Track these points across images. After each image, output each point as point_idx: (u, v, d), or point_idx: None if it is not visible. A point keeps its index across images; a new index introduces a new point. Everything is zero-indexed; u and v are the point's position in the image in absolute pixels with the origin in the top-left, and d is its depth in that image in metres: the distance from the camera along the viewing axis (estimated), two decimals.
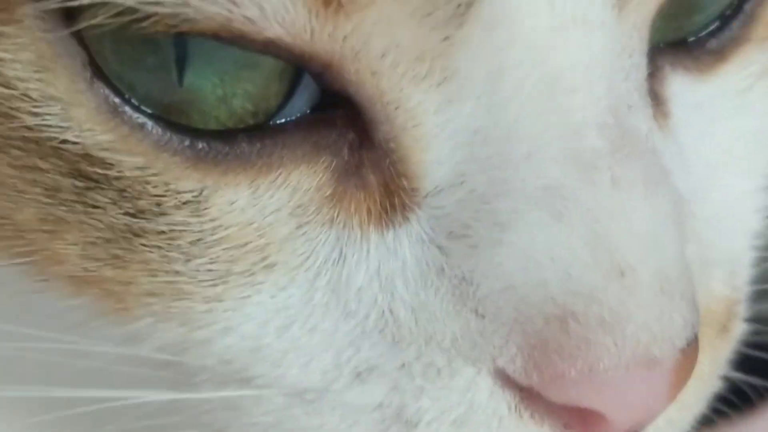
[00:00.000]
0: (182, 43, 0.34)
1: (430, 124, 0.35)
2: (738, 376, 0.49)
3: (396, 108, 0.35)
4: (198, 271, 0.37)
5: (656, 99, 0.40)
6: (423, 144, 0.36)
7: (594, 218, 0.35)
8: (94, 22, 0.33)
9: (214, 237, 0.36)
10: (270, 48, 0.34)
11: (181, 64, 0.35)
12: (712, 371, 0.41)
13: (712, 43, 0.42)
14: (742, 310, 0.43)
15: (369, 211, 0.37)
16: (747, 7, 0.43)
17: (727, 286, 0.41)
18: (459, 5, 0.34)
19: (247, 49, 0.34)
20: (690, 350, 0.36)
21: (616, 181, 0.35)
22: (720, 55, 0.43)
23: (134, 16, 0.33)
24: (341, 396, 0.37)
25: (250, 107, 0.35)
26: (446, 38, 0.34)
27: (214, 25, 0.33)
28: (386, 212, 0.37)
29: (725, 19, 0.42)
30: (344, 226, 0.37)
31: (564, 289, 0.34)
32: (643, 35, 0.38)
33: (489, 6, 0.34)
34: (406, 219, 0.36)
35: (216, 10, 0.32)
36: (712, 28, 0.42)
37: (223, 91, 0.35)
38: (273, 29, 0.33)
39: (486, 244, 0.35)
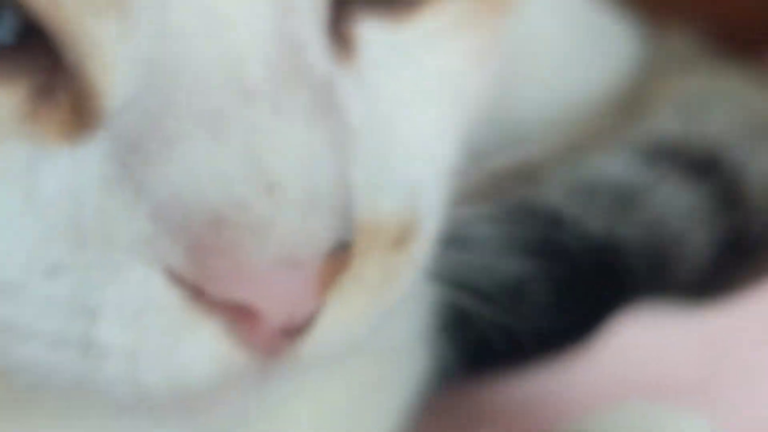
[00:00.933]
0: None
1: (110, 54, 0.39)
2: None
3: (80, 38, 0.39)
4: None
5: (344, 40, 0.44)
6: (105, 70, 0.39)
7: (250, 140, 0.38)
8: None
9: None
10: None
11: None
12: (383, 280, 0.45)
13: None
14: (424, 229, 0.47)
15: (61, 128, 0.40)
16: None
17: (401, 207, 0.45)
18: None
19: None
20: (337, 256, 0.40)
21: (276, 108, 0.39)
22: (414, 3, 0.46)
23: None
24: (35, 289, 0.41)
25: None
26: None
27: None
28: (76, 128, 0.40)
29: None
30: (39, 140, 0.40)
31: (219, 200, 0.38)
32: None
33: None
34: (92, 136, 0.40)
35: None
36: None
37: None
38: None
39: (157, 159, 0.39)
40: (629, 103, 0.89)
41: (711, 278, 0.75)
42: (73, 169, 0.40)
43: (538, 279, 0.69)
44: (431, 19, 0.47)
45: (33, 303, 0.41)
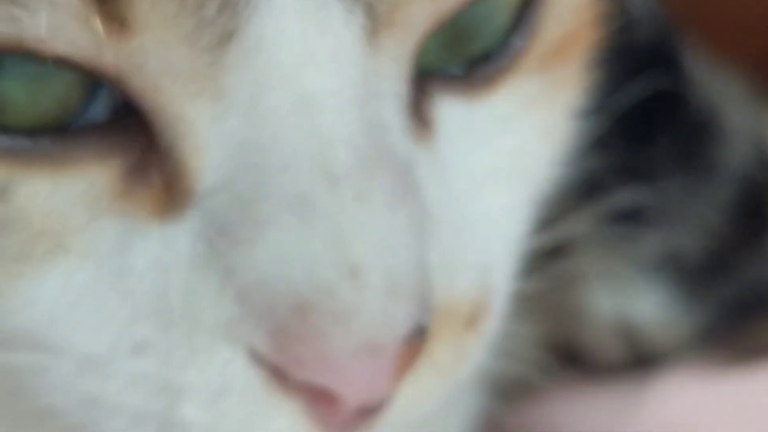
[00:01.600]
0: None
1: (203, 135, 0.40)
2: None
3: (175, 119, 0.40)
4: (3, 251, 0.41)
5: (423, 120, 0.45)
6: (198, 152, 0.40)
7: (335, 225, 0.39)
8: None
9: (18, 222, 0.40)
10: (63, 63, 0.38)
11: None
12: (455, 361, 0.46)
13: (481, 72, 0.47)
14: (494, 309, 0.47)
15: (153, 207, 0.41)
16: (516, 41, 0.47)
17: (474, 287, 0.46)
18: (222, 35, 0.38)
19: (46, 62, 0.38)
20: (415, 340, 0.41)
21: (359, 193, 0.40)
22: (489, 83, 0.47)
23: None
24: (121, 366, 0.41)
25: (55, 111, 0.40)
26: (213, 63, 0.39)
27: (12, 43, 0.38)
28: (167, 208, 0.41)
29: (495, 53, 0.47)
30: (131, 219, 0.41)
31: (305, 284, 0.39)
32: (404, 65, 0.43)
33: (248, 35, 0.39)
34: (183, 215, 0.41)
35: (10, 31, 0.37)
36: (486, 58, 0.47)
37: (32, 95, 0.39)
38: (62, 48, 0.38)
39: (246, 241, 0.40)
40: None
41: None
42: (162, 247, 0.41)
43: None
44: (506, 97, 0.48)
45: (118, 379, 0.42)
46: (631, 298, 0.75)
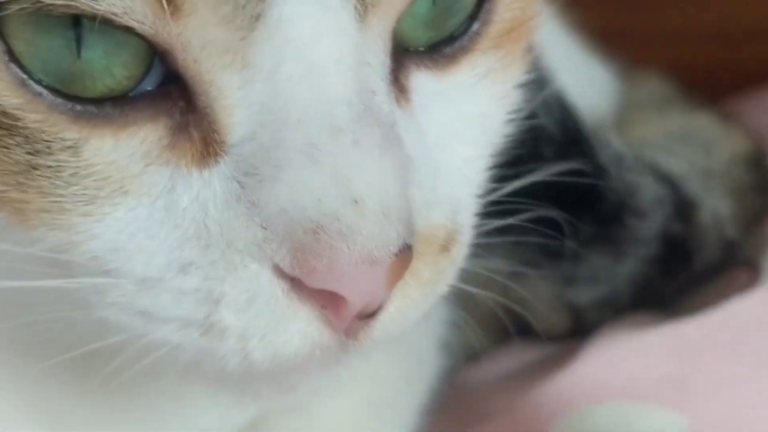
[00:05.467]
0: (78, 28, 0.47)
1: (233, 98, 0.48)
2: None
3: (211, 85, 0.48)
4: (75, 194, 0.49)
5: (401, 88, 0.53)
6: (228, 111, 0.48)
7: (339, 165, 0.48)
8: (8, 11, 0.45)
9: (87, 171, 0.48)
10: (131, 32, 0.47)
11: (79, 42, 0.47)
12: (433, 278, 0.54)
13: (448, 50, 0.55)
14: (462, 239, 0.55)
15: (193, 156, 0.49)
16: (475, 24, 0.56)
17: (447, 220, 0.54)
18: (251, 16, 0.47)
19: (118, 31, 0.47)
20: (403, 256, 0.49)
21: (356, 141, 0.48)
22: (454, 58, 0.56)
23: (42, 4, 0.45)
24: (170, 283, 0.49)
25: (123, 80, 0.48)
26: (243, 38, 0.47)
27: (95, 12, 0.46)
28: (204, 157, 0.49)
29: (459, 34, 0.56)
30: (176, 166, 0.49)
31: (316, 211, 0.47)
32: (387, 42, 0.51)
33: (271, 17, 0.47)
34: (217, 162, 0.49)
35: (95, 5, 0.45)
36: (451, 38, 0.55)
37: (107, 62, 0.48)
38: (131, 22, 0.46)
39: (268, 180, 0.48)
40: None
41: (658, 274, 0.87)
42: (202, 188, 0.49)
43: None
44: (466, 71, 0.57)
45: (168, 294, 0.50)
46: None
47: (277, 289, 0.49)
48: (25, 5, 0.46)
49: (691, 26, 1.40)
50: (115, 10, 0.46)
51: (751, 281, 0.89)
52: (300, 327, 0.50)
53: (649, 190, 0.85)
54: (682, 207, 0.87)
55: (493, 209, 0.60)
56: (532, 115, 0.65)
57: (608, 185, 0.82)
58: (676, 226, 0.86)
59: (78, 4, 0.46)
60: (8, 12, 0.46)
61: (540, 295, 0.87)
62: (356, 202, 0.48)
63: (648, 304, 0.90)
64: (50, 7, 0.46)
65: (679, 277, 0.89)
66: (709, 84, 1.16)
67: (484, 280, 0.66)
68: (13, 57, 0.47)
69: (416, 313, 0.54)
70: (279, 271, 0.49)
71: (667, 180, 0.88)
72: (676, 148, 0.98)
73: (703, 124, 1.05)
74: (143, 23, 0.47)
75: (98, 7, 0.46)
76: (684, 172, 0.92)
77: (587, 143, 0.83)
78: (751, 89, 1.28)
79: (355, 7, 0.49)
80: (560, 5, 0.99)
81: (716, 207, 0.90)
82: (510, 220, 0.64)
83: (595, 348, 0.85)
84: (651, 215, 0.85)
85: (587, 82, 1.03)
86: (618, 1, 1.36)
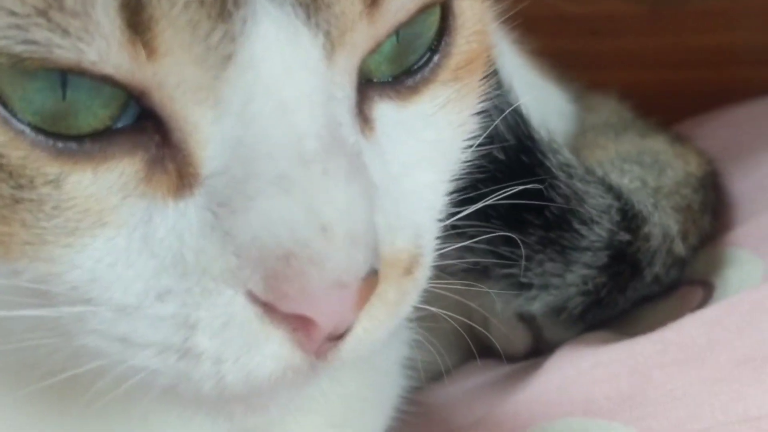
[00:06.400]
0: (62, 71, 0.48)
1: (206, 132, 0.50)
2: None
3: (185, 121, 0.50)
4: (57, 227, 0.50)
5: (365, 119, 0.55)
6: (202, 145, 0.50)
7: (309, 194, 0.49)
8: None
9: (68, 204, 0.50)
10: (107, 80, 0.48)
11: (63, 85, 0.48)
12: (398, 299, 0.55)
13: (410, 81, 0.57)
14: (425, 261, 0.57)
15: (168, 188, 0.50)
16: (435, 57, 0.58)
17: (410, 244, 0.56)
18: (223, 56, 0.48)
19: (95, 80, 0.48)
20: (370, 280, 0.51)
21: (325, 171, 0.50)
22: (415, 89, 0.58)
23: (20, 59, 0.47)
24: (148, 310, 0.51)
25: (103, 118, 0.49)
26: (216, 77, 0.49)
27: (72, 64, 0.47)
28: (180, 189, 0.50)
29: (420, 66, 0.58)
30: (153, 198, 0.50)
31: (288, 239, 0.49)
32: (352, 76, 0.53)
33: (242, 57, 0.48)
34: (192, 194, 0.50)
35: (70, 56, 0.47)
36: (413, 70, 0.57)
37: (90, 102, 0.49)
38: (108, 69, 0.48)
39: (241, 210, 0.49)
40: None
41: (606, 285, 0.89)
42: (178, 218, 0.51)
43: None
44: (427, 101, 0.59)
45: (146, 320, 0.51)
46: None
47: (250, 313, 0.51)
48: (3, 60, 0.47)
49: (647, 50, 1.43)
50: (92, 58, 0.47)
51: (703, 299, 0.91)
52: (273, 350, 0.52)
53: (596, 199, 0.87)
54: (630, 218, 0.89)
55: (452, 232, 0.62)
56: (487, 141, 0.67)
57: (557, 190, 0.84)
58: (623, 235, 0.88)
59: (54, 58, 0.47)
60: None
61: (499, 314, 0.89)
62: (325, 229, 0.49)
63: (602, 318, 0.92)
64: (27, 63, 0.47)
65: (629, 289, 0.90)
66: (665, 106, 1.19)
67: (445, 300, 0.68)
68: None
69: (382, 333, 0.56)
70: (252, 297, 0.51)
71: (616, 191, 0.90)
72: (628, 168, 1.00)
73: (657, 146, 1.07)
74: (120, 67, 0.48)
75: (74, 58, 0.47)
76: (634, 188, 0.95)
77: (538, 147, 0.85)
78: (706, 111, 1.31)
79: (324, 46, 0.51)
80: (518, 32, 1.02)
81: (665, 223, 0.92)
82: (467, 242, 0.66)
83: (552, 366, 0.87)
84: (598, 222, 0.86)
85: (543, 104, 1.05)
86: (575, 24, 1.39)
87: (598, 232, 0.87)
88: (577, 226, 0.85)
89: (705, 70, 1.44)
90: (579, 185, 0.86)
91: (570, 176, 0.86)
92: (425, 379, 0.89)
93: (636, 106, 1.20)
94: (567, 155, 0.87)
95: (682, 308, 0.90)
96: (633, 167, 1.00)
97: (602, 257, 0.87)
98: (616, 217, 0.88)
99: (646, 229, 0.90)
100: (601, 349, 0.85)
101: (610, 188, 0.89)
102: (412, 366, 0.82)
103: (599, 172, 0.92)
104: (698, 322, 0.84)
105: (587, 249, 0.87)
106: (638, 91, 1.20)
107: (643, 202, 0.91)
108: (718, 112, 1.30)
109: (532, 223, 0.83)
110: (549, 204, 0.84)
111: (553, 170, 0.85)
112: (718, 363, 0.78)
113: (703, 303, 0.90)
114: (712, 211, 1.02)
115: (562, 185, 0.85)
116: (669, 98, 1.32)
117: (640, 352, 0.82)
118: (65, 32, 0.47)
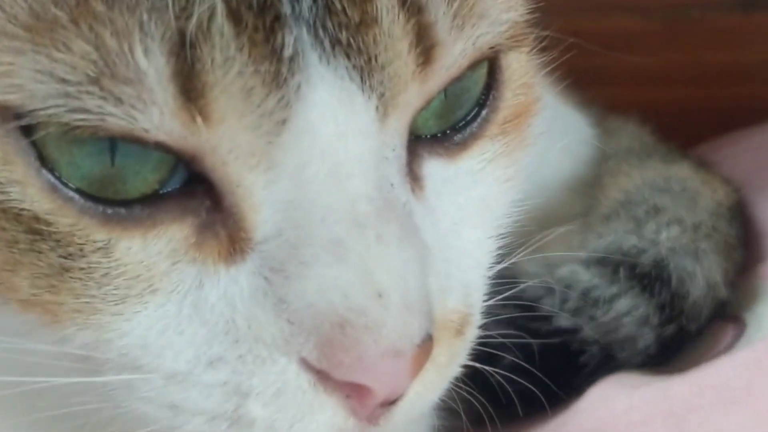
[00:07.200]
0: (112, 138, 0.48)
1: (259, 197, 0.49)
2: None
3: (237, 186, 0.49)
4: (106, 294, 0.50)
5: (415, 177, 0.55)
6: (255, 209, 0.50)
7: (363, 261, 0.49)
8: (42, 133, 0.47)
9: (118, 271, 0.50)
10: (159, 146, 0.48)
11: (113, 151, 0.48)
12: (450, 361, 0.55)
13: (458, 137, 0.57)
14: (475, 320, 0.57)
15: (219, 254, 0.50)
16: (483, 112, 0.58)
17: (461, 304, 0.55)
18: (278, 122, 0.48)
19: (146, 146, 0.48)
20: (425, 346, 0.51)
21: (379, 236, 0.50)
22: (463, 145, 0.58)
23: (70, 127, 0.46)
24: (199, 377, 0.50)
25: (151, 183, 0.49)
26: (270, 142, 0.48)
27: (124, 132, 0.47)
28: (231, 254, 0.50)
29: (468, 122, 0.58)
30: (203, 263, 0.50)
31: (343, 306, 0.48)
32: (403, 135, 0.53)
33: (296, 122, 0.48)
34: (243, 259, 0.50)
35: (123, 124, 0.47)
36: (461, 125, 0.57)
37: (138, 167, 0.49)
38: (160, 136, 0.48)
39: (295, 276, 0.49)
40: (591, 182, 1.03)
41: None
42: (229, 284, 0.50)
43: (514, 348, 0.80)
44: (475, 156, 0.58)
45: (197, 388, 0.51)
46: None
47: (303, 381, 0.51)
48: (53, 129, 0.47)
49: (660, 67, 1.42)
50: (145, 125, 0.47)
51: (735, 337, 0.90)
52: (326, 417, 0.51)
53: (628, 317, 0.87)
54: (672, 304, 0.89)
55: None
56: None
57: (583, 338, 0.85)
58: (669, 328, 0.88)
59: (106, 126, 0.47)
60: (39, 132, 0.47)
61: None
62: (381, 296, 0.49)
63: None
64: (78, 131, 0.47)
65: (675, 347, 0.90)
66: (679, 122, 1.18)
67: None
68: (44, 163, 0.48)
69: (434, 395, 0.56)
70: (306, 364, 0.50)
71: (654, 276, 0.89)
72: (660, 202, 0.99)
73: (682, 173, 1.06)
74: (172, 133, 0.48)
75: (127, 126, 0.47)
76: (673, 241, 0.93)
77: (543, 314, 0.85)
78: (721, 128, 1.29)
79: (377, 108, 0.50)
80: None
81: (709, 272, 0.91)
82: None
83: (585, 408, 0.85)
84: (640, 336, 0.87)
85: (566, 132, 1.05)
86: (588, 41, 1.38)
87: (644, 343, 0.88)
88: (620, 354, 0.87)
89: (719, 87, 1.43)
90: (604, 316, 0.87)
91: (592, 310, 0.86)
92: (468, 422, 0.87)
93: (654, 128, 1.19)
94: (585, 280, 0.88)
95: (714, 346, 0.89)
96: (664, 198, 0.99)
97: (652, 349, 0.88)
98: (655, 321, 0.88)
99: (690, 299, 0.90)
100: (634, 391, 0.84)
101: (641, 279, 0.89)
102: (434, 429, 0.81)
103: (627, 244, 0.92)
104: (734, 363, 0.82)
105: (636, 354, 0.88)
106: (651, 108, 1.19)
107: (683, 264, 0.90)
108: (736, 136, 1.28)
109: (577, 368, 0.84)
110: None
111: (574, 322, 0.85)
112: (756, 407, 0.77)
113: (735, 340, 0.89)
114: (743, 244, 1.00)
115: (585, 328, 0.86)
116: (683, 115, 1.31)
117: (675, 394, 0.81)
118: (118, 100, 0.47)
